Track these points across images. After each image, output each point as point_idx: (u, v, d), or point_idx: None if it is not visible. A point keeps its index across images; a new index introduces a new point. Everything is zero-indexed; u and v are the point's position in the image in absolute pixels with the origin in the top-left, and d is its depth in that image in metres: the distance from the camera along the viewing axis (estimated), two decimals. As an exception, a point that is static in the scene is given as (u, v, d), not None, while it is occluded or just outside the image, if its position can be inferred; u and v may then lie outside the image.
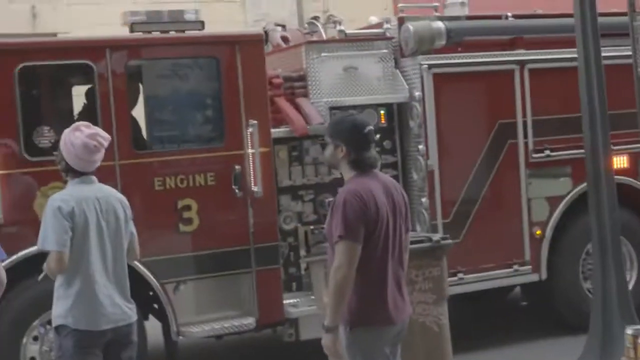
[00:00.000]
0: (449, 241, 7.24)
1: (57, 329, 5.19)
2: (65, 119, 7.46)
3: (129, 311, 5.30)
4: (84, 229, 5.13)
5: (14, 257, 6.83)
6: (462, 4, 8.93)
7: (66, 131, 5.24)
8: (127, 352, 5.30)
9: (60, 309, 5.16)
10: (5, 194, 6.89)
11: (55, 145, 7.02)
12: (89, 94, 7.55)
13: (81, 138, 5.13)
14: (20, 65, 6.98)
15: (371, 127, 4.88)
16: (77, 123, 5.30)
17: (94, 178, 5.30)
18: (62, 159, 5.21)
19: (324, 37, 9.00)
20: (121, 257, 5.30)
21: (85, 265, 5.13)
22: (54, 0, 15.03)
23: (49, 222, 5.08)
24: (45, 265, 5.23)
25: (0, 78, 6.96)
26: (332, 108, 8.07)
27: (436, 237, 7.24)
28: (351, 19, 10.89)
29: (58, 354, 5.21)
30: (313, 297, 7.81)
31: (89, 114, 7.25)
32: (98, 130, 5.27)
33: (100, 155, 5.22)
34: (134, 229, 5.45)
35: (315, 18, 10.28)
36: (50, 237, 5.05)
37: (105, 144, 5.21)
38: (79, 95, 7.74)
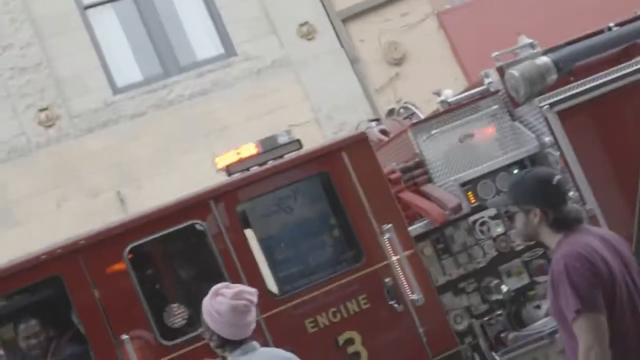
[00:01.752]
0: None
1: None
2: (190, 289, 6.84)
3: None
4: None
5: None
6: (532, 45, 8.03)
7: (205, 301, 4.44)
8: None
9: None
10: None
11: (191, 321, 6.39)
12: (207, 254, 6.91)
13: (226, 302, 4.34)
14: (129, 247, 6.38)
15: (559, 176, 4.06)
16: (214, 287, 4.54)
17: (256, 343, 4.51)
18: (213, 334, 4.40)
19: (422, 116, 8.29)
20: None
21: None
22: (136, 179, 14.74)
23: None
24: None
25: (112, 266, 6.36)
26: (463, 184, 7.26)
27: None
28: (425, 99, 10.16)
29: None
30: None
31: (213, 276, 6.57)
32: (241, 286, 4.50)
33: (253, 315, 4.42)
34: None
35: (392, 111, 9.70)
36: None
37: (255, 299, 4.41)
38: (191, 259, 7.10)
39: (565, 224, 3.99)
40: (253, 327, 4.45)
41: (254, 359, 4.40)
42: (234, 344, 4.40)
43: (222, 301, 4.35)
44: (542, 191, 4.02)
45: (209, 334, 4.42)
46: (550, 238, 4.04)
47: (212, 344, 4.46)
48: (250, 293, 4.41)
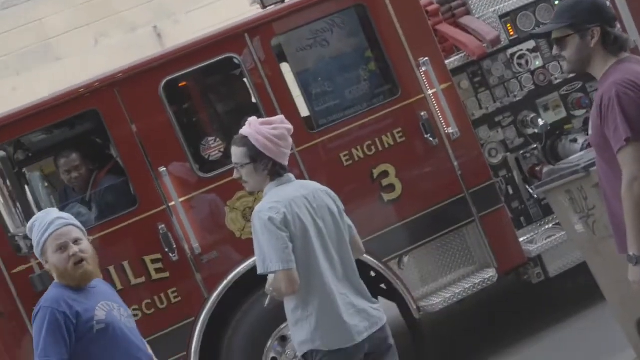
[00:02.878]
0: None
1: (306, 356, 4.46)
2: (225, 122, 6.88)
3: (377, 312, 4.54)
4: (304, 236, 4.39)
5: (225, 282, 6.32)
6: None
7: (252, 130, 4.50)
8: (391, 359, 4.57)
9: (303, 334, 4.42)
10: (193, 220, 6.30)
11: (227, 153, 6.46)
12: (242, 88, 6.91)
13: (281, 127, 4.50)
14: (164, 81, 6.38)
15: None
16: (251, 119, 4.59)
17: (292, 175, 4.59)
18: (269, 160, 4.46)
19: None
20: (348, 255, 4.56)
21: (318, 277, 4.40)
22: (173, 14, 14.63)
23: (263, 240, 4.33)
24: (268, 288, 4.54)
25: (147, 102, 6.37)
26: (502, 16, 7.09)
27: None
28: None
29: None
30: (548, 226, 6.98)
31: (248, 109, 6.59)
32: (279, 116, 4.65)
33: (290, 141, 4.55)
34: (349, 221, 4.70)
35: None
36: (270, 256, 4.31)
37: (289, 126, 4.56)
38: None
39: (621, 45, 3.88)
40: (288, 156, 4.57)
41: (288, 189, 4.47)
42: (278, 172, 4.48)
43: (276, 127, 4.45)
44: (599, 10, 3.90)
45: (266, 161, 4.46)
46: (603, 62, 3.92)
47: (263, 172, 4.49)
48: (283, 121, 4.57)
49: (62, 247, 4.36)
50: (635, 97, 3.67)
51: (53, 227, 4.38)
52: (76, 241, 4.40)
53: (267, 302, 4.74)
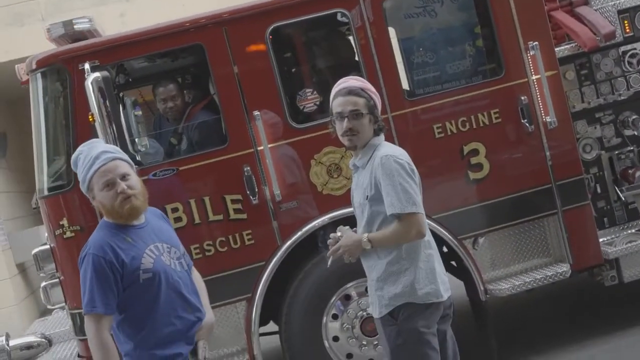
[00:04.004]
0: None
1: (392, 313, 4.48)
2: (325, 76, 6.89)
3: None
4: (421, 186, 4.57)
5: (299, 232, 6.39)
6: None
7: (364, 85, 4.71)
8: (449, 330, 4.60)
9: (399, 287, 4.45)
10: (278, 168, 6.37)
11: (321, 107, 6.48)
12: (347, 46, 6.91)
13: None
14: (271, 27, 6.42)
15: None
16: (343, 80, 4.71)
17: None
18: (376, 112, 4.62)
19: None
20: None
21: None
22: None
23: (402, 181, 4.40)
24: (337, 248, 4.58)
25: (252, 45, 6.43)
26: (621, 11, 6.92)
27: None
28: None
29: (397, 341, 4.46)
30: (631, 231, 6.89)
31: (349, 67, 6.59)
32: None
33: None
34: None
35: None
36: (409, 198, 4.38)
37: None
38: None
39: None
40: None
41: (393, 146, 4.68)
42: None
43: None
44: None
45: (376, 117, 4.62)
46: None
47: (372, 129, 4.61)
48: None
49: (110, 184, 4.09)
50: None
51: (99, 163, 4.10)
52: (124, 177, 4.11)
53: (329, 262, 4.74)
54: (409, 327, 4.41)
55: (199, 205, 6.34)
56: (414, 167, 4.53)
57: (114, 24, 11.73)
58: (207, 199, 6.36)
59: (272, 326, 6.96)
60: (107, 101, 6.00)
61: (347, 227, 4.65)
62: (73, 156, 4.28)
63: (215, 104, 6.67)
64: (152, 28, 6.48)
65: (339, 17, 6.66)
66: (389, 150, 4.53)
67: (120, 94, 7.08)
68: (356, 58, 6.66)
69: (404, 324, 4.42)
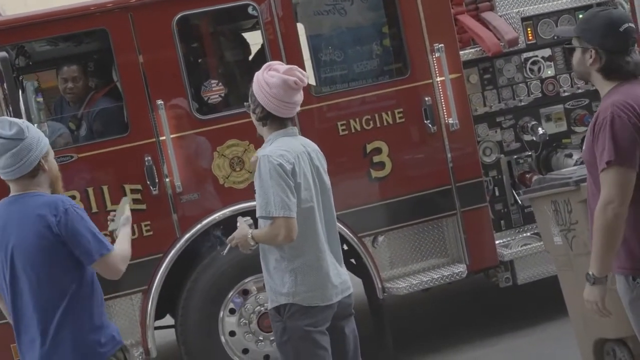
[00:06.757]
0: None
1: (278, 309, 4.45)
2: (231, 68, 6.84)
3: (347, 279, 4.58)
4: (307, 190, 4.38)
5: (198, 225, 6.31)
6: None
7: (258, 73, 4.45)
8: (350, 325, 4.59)
9: (284, 287, 4.39)
10: (180, 158, 6.29)
11: (226, 100, 6.44)
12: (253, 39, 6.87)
13: (277, 76, 4.34)
14: (178, 16, 6.33)
15: (630, 25, 3.87)
16: (268, 63, 4.55)
17: (296, 129, 4.56)
18: (258, 105, 4.41)
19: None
20: (333, 217, 4.57)
21: (313, 233, 4.41)
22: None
23: (269, 183, 4.27)
24: (232, 237, 4.54)
25: (158, 33, 6.32)
26: (524, 19, 7.06)
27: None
28: None
29: (283, 338, 4.43)
30: (526, 234, 7.03)
31: (256, 61, 6.55)
32: (294, 66, 4.49)
33: (300, 96, 4.45)
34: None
35: None
36: (275, 201, 4.25)
37: (305, 80, 4.44)
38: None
39: (618, 74, 3.82)
40: (297, 110, 4.50)
41: (294, 142, 4.45)
42: (276, 121, 4.43)
43: (274, 74, 4.36)
44: (605, 34, 3.81)
45: (254, 105, 4.44)
46: (601, 85, 3.89)
47: (254, 117, 4.49)
48: (302, 72, 4.43)
49: None
50: (627, 120, 3.66)
51: None
52: None
53: (225, 250, 4.71)
54: (293, 325, 4.38)
55: (97, 194, 6.22)
56: (296, 167, 4.35)
57: (16, 4, 11.40)
58: (105, 188, 6.24)
59: (169, 320, 6.88)
60: (4, 84, 5.83)
61: (248, 217, 4.60)
62: None
63: (118, 91, 6.55)
64: (56, 10, 6.32)
65: (249, 10, 6.62)
66: (269, 149, 4.39)
67: (20, 78, 6.88)
68: (263, 52, 6.61)
69: (289, 322, 4.39)
